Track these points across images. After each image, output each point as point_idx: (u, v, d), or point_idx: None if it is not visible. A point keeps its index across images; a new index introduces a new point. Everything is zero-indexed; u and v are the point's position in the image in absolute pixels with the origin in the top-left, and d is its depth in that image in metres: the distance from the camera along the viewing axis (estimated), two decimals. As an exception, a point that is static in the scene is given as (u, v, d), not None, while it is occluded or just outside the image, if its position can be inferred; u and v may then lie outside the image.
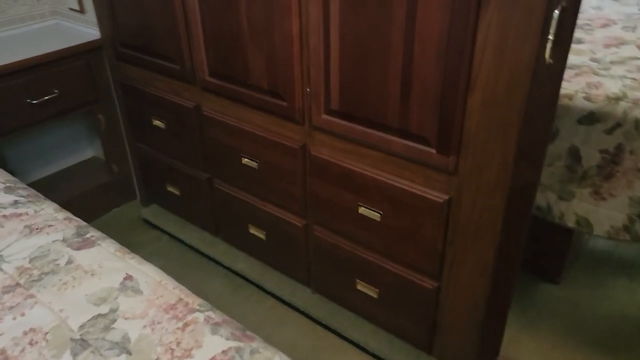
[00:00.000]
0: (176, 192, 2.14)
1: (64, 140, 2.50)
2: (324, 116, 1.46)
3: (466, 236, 1.34)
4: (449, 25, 1.11)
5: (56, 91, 2.04)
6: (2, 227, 1.17)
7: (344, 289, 1.72)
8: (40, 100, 2.00)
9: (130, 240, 2.28)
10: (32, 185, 2.35)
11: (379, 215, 1.48)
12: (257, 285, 1.99)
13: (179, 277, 2.04)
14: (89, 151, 2.60)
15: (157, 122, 2.00)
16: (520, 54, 1.03)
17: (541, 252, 1.95)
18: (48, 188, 2.36)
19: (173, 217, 2.28)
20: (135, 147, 2.24)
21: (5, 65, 1.89)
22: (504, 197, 1.21)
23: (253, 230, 1.91)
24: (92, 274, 1.04)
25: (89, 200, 2.37)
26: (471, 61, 1.11)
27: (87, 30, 2.18)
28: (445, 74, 1.16)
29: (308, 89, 1.46)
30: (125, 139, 2.32)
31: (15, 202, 1.26)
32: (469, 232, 1.32)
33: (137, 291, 1.00)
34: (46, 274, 1.04)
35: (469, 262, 1.36)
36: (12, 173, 2.12)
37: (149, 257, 2.18)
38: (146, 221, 2.34)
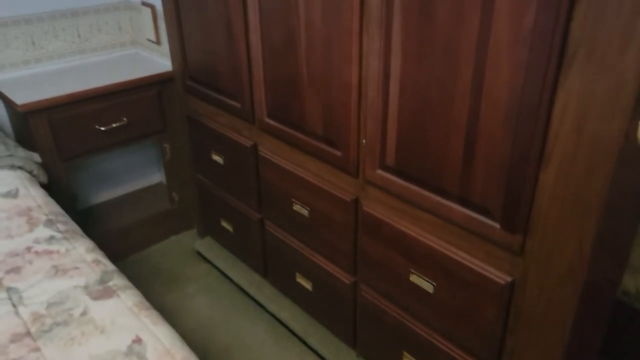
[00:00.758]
0: (229, 228, 2.09)
1: (135, 164, 2.55)
2: (379, 171, 1.34)
3: (530, 327, 1.14)
4: (522, 87, 0.95)
5: (125, 119, 2.07)
6: (31, 264, 1.15)
7: (390, 359, 1.56)
8: (108, 127, 2.03)
9: (181, 272, 2.26)
10: (96, 207, 2.42)
11: (432, 286, 1.32)
12: (300, 339, 1.87)
13: (224, 319, 2.00)
14: (157, 177, 2.64)
15: (216, 157, 1.97)
16: (605, 129, 0.85)
17: (628, 344, 1.67)
18: (112, 211, 2.41)
19: (225, 252, 2.23)
20: (195, 179, 2.23)
21: (80, 92, 1.93)
22: (577, 291, 1.01)
23: (300, 280, 1.81)
24: (101, 331, 0.97)
25: (149, 225, 2.38)
26: (546, 131, 0.95)
27: (162, 61, 2.21)
28: (515, 140, 1.01)
29: (364, 141, 1.35)
30: (187, 170, 2.32)
31: (51, 238, 1.24)
32: (533, 323, 1.13)
33: (142, 358, 0.92)
34: (58, 324, 0.99)
35: (532, 358, 1.17)
36: (75, 197, 2.18)
37: (196, 292, 2.16)
38: (199, 253, 2.31)
